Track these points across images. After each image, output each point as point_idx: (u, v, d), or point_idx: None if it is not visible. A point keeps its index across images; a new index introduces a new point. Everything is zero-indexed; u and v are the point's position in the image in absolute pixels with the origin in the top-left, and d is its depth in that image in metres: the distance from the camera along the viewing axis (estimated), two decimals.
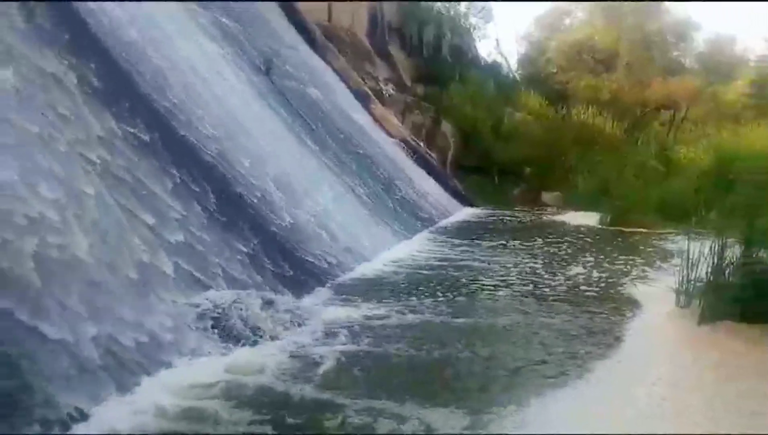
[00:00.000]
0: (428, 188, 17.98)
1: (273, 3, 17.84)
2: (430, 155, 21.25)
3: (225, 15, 13.34)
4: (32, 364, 3.28)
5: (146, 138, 6.17)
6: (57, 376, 3.35)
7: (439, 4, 26.67)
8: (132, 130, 6.03)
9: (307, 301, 6.41)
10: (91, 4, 7.34)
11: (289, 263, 7.01)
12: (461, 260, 9.79)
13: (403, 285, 7.73)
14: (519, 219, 17.75)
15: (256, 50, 13.64)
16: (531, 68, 32.13)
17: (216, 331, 4.80)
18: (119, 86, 6.56)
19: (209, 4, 12.86)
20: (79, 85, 5.63)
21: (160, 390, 3.83)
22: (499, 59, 32.00)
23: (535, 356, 5.09)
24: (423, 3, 25.92)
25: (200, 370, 4.23)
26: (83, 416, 3.30)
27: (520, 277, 8.55)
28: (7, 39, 5.07)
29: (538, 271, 9.03)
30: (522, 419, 3.78)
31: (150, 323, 4.32)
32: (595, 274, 8.92)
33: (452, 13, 27.38)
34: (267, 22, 16.38)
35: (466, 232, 14.04)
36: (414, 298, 6.94)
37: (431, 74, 24.35)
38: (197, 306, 4.91)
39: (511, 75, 31.48)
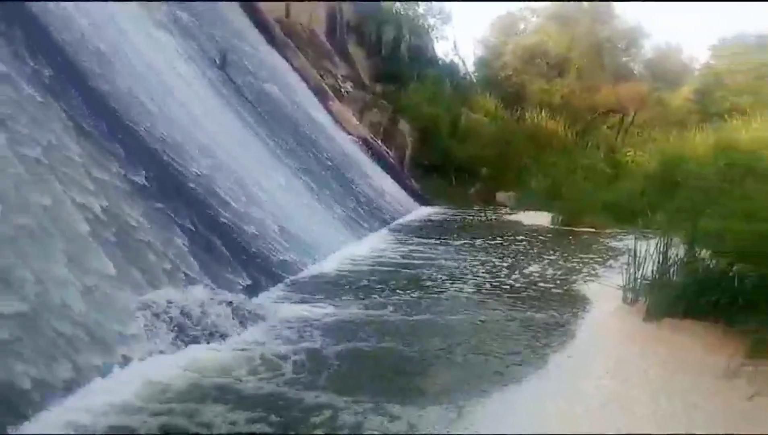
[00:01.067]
0: (386, 186, 18.03)
1: (234, 2, 17.54)
2: (388, 154, 21.29)
3: (183, 10, 13.04)
4: None
5: (90, 128, 5.96)
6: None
7: (397, 4, 26.78)
8: (76, 119, 5.81)
9: (261, 299, 6.33)
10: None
11: (244, 261, 6.89)
12: (418, 258, 9.86)
13: (360, 283, 7.72)
14: (475, 218, 18.02)
15: (213, 46, 13.37)
16: (487, 71, 32.66)
17: (168, 329, 4.67)
18: (68, 78, 6.31)
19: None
20: (31, 81, 5.39)
21: (116, 388, 3.72)
22: (457, 61, 32.42)
23: (490, 351, 5.17)
24: (382, 3, 25.96)
25: (155, 368, 4.12)
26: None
27: (477, 274, 8.68)
28: None
29: (493, 269, 9.18)
30: (476, 416, 3.83)
31: (102, 321, 4.17)
32: (549, 271, 9.14)
33: (411, 13, 27.51)
34: (226, 19, 16.08)
35: (423, 230, 14.15)
36: (373, 296, 6.94)
37: (389, 73, 24.42)
38: (148, 304, 4.77)
39: (467, 77, 31.90)
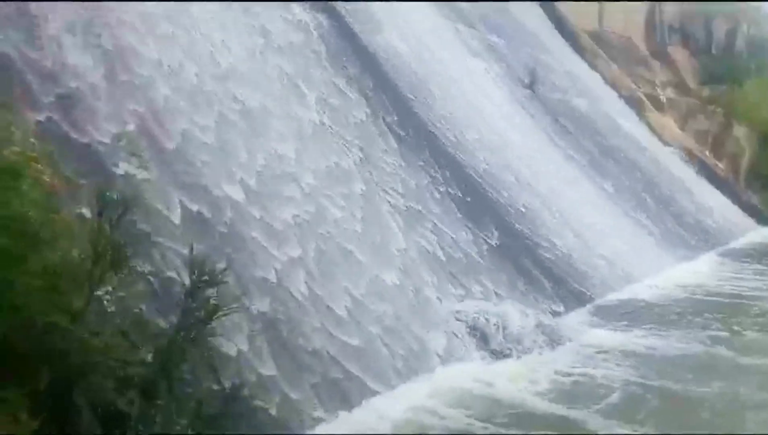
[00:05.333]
0: (714, 203, 15.71)
1: (539, 11, 17.69)
2: (717, 165, 18.58)
3: (490, 31, 13.70)
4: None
5: (416, 153, 6.71)
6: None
7: None
8: (398, 133, 6.63)
9: (567, 319, 6.19)
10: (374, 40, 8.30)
11: (551, 280, 6.85)
12: (759, 290, 8.29)
13: (680, 312, 6.90)
14: None
15: (522, 66, 13.69)
16: None
17: (477, 339, 4.96)
18: (399, 110, 7.28)
19: (476, 21, 13.38)
20: (371, 116, 6.45)
21: (430, 390, 4.14)
22: None
23: None
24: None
25: (463, 376, 4.41)
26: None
27: None
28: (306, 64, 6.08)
29: None
30: None
31: (418, 326, 4.67)
32: None
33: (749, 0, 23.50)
34: (532, 33, 16.32)
35: (766, 257, 11.81)
36: (694, 329, 6.15)
37: (721, 73, 21.25)
38: (460, 313, 5.13)
39: None
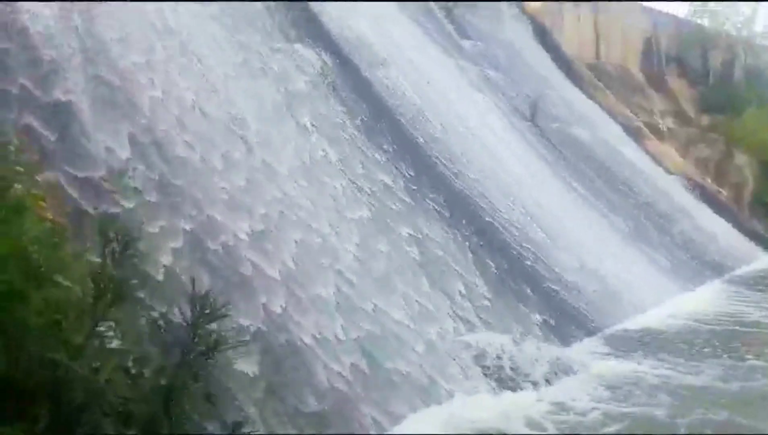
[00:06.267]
0: (718, 230, 15.66)
1: (535, 43, 17.97)
2: (719, 192, 18.58)
3: (490, 66, 13.92)
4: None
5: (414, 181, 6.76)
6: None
7: (728, 24, 23.55)
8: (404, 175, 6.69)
9: (574, 350, 6.12)
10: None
11: (556, 310, 6.80)
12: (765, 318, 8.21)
13: (687, 342, 6.82)
14: None
15: (520, 97, 13.86)
16: None
17: (484, 370, 4.90)
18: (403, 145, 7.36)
19: (476, 57, 13.62)
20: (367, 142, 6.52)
21: (439, 423, 4.08)
22: None
23: None
24: (708, 26, 23.24)
25: (476, 409, 4.34)
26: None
27: None
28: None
29: None
30: None
31: (427, 357, 4.63)
32: None
33: (745, 33, 23.88)
34: (530, 66, 16.55)
35: None
36: (701, 359, 6.07)
37: (719, 102, 21.44)
38: (468, 345, 5.09)
39: None
